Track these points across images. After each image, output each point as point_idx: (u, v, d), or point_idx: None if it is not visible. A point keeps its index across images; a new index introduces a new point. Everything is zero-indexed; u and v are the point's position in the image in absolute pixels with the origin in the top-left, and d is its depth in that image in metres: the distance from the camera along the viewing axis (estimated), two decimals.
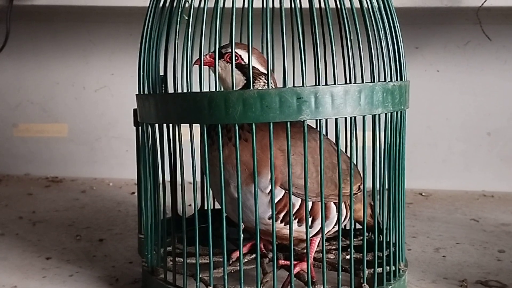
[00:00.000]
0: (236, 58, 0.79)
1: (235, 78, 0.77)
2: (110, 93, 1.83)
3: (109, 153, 1.86)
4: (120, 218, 1.34)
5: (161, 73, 0.81)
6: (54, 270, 0.99)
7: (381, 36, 0.77)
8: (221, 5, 0.73)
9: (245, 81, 0.80)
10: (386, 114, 0.77)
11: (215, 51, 0.75)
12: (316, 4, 0.77)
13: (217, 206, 0.93)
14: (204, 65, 0.75)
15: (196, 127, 0.73)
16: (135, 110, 0.92)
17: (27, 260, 1.04)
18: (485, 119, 1.64)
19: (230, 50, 0.77)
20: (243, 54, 0.81)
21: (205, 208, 1.06)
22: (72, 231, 1.23)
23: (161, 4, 0.80)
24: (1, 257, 1.05)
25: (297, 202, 0.79)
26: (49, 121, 1.88)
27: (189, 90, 0.73)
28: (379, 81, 0.74)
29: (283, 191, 0.78)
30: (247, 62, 0.80)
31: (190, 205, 0.78)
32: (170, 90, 0.80)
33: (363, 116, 0.72)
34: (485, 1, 1.37)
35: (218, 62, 0.78)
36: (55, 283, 0.92)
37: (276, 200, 0.78)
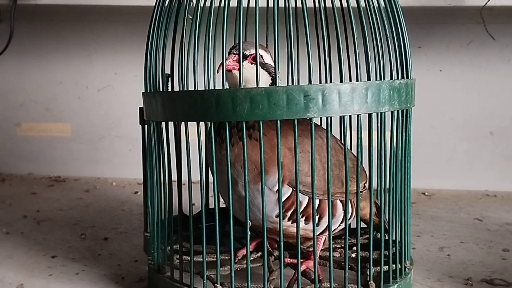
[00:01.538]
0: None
1: (263, 78, 0.78)
2: (113, 92, 1.83)
3: (112, 153, 1.86)
4: (124, 217, 1.34)
5: (167, 71, 0.82)
6: (60, 268, 0.99)
7: (387, 35, 0.78)
8: (227, 4, 0.73)
9: (271, 81, 0.81)
10: (392, 112, 0.77)
11: (239, 54, 0.72)
12: (322, 3, 0.77)
13: (222, 204, 0.93)
14: (227, 69, 0.75)
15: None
16: (141, 108, 0.92)
17: (32, 259, 1.04)
18: (488, 119, 1.64)
19: (253, 51, 0.77)
20: (264, 54, 0.81)
21: (211, 207, 1.06)
22: (76, 230, 1.23)
23: (167, 3, 0.81)
24: (7, 255, 1.06)
25: (304, 200, 0.79)
26: (52, 120, 1.88)
27: (196, 88, 0.73)
28: (385, 79, 0.75)
29: (291, 189, 0.78)
30: (267, 61, 0.81)
31: (194, 204, 0.79)
32: (176, 88, 0.80)
33: (370, 114, 0.72)
34: (488, 0, 1.37)
35: (243, 64, 0.77)
36: (61, 281, 0.93)
37: (283, 198, 0.78)
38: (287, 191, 0.79)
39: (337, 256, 0.90)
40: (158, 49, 0.81)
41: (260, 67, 0.79)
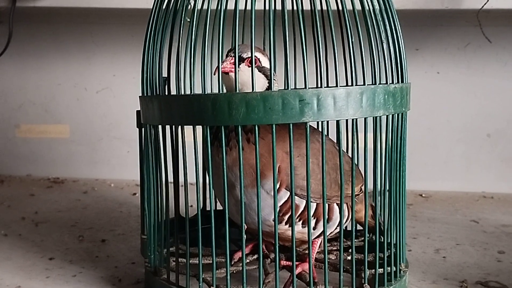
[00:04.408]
0: (254, 61, 0.79)
1: (260, 82, 0.78)
2: (112, 94, 1.84)
3: (110, 154, 1.87)
4: (122, 219, 1.34)
5: (164, 75, 0.82)
6: (57, 270, 0.99)
7: (382, 38, 0.78)
8: (224, 7, 0.73)
9: (268, 84, 0.81)
10: (387, 116, 0.78)
11: (235, 57, 0.73)
12: (318, 6, 0.78)
13: (219, 207, 0.93)
14: (224, 72, 0.76)
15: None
16: (138, 112, 0.92)
17: (30, 261, 1.04)
18: (485, 121, 1.65)
19: (249, 55, 0.78)
20: (261, 57, 0.81)
21: (207, 209, 1.07)
22: (74, 232, 1.23)
23: (164, 6, 0.81)
24: (5, 257, 1.06)
25: (301, 203, 0.80)
26: (51, 122, 1.88)
27: (192, 92, 0.74)
28: (380, 83, 0.75)
29: (289, 193, 0.78)
30: (264, 64, 0.81)
31: (191, 206, 0.79)
32: (173, 92, 0.81)
33: (365, 118, 0.73)
34: (485, 3, 1.38)
35: (240, 67, 0.78)
36: (58, 283, 0.93)
37: (281, 202, 0.79)
38: (284, 195, 0.79)
39: (332, 258, 0.90)
40: (155, 53, 0.81)
41: (257, 71, 0.80)
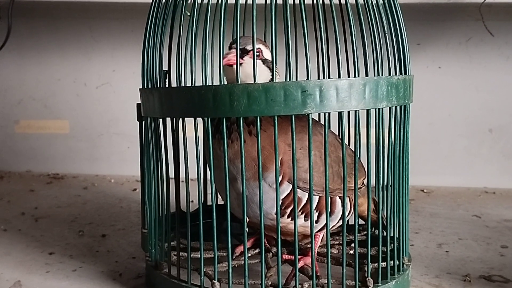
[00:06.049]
0: (258, 54, 0.78)
1: (263, 74, 0.77)
2: (111, 89, 1.83)
3: (110, 150, 1.86)
4: (122, 214, 1.34)
5: (165, 67, 0.81)
6: (57, 265, 0.99)
7: (385, 31, 0.77)
8: (225, 1, 0.72)
9: (270, 76, 0.79)
10: (390, 108, 0.77)
11: (236, 48, 0.71)
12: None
13: (220, 201, 0.93)
14: (228, 64, 0.75)
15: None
16: (138, 105, 0.92)
17: (30, 255, 1.04)
18: (487, 116, 1.64)
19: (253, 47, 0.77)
20: (264, 50, 0.80)
21: (208, 203, 1.06)
22: (74, 227, 1.23)
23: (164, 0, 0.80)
24: (5, 252, 1.05)
25: (304, 196, 0.79)
26: (51, 117, 1.88)
27: (193, 84, 0.73)
28: (383, 75, 0.74)
29: (291, 186, 0.78)
30: (267, 57, 0.80)
31: (192, 201, 0.78)
32: (173, 84, 0.80)
33: (368, 110, 0.72)
34: None
35: (244, 59, 0.77)
36: (58, 278, 0.92)
37: (283, 195, 0.78)
38: (287, 188, 0.78)
39: (335, 252, 0.90)
40: (155, 45, 0.80)
41: (261, 63, 0.79)
